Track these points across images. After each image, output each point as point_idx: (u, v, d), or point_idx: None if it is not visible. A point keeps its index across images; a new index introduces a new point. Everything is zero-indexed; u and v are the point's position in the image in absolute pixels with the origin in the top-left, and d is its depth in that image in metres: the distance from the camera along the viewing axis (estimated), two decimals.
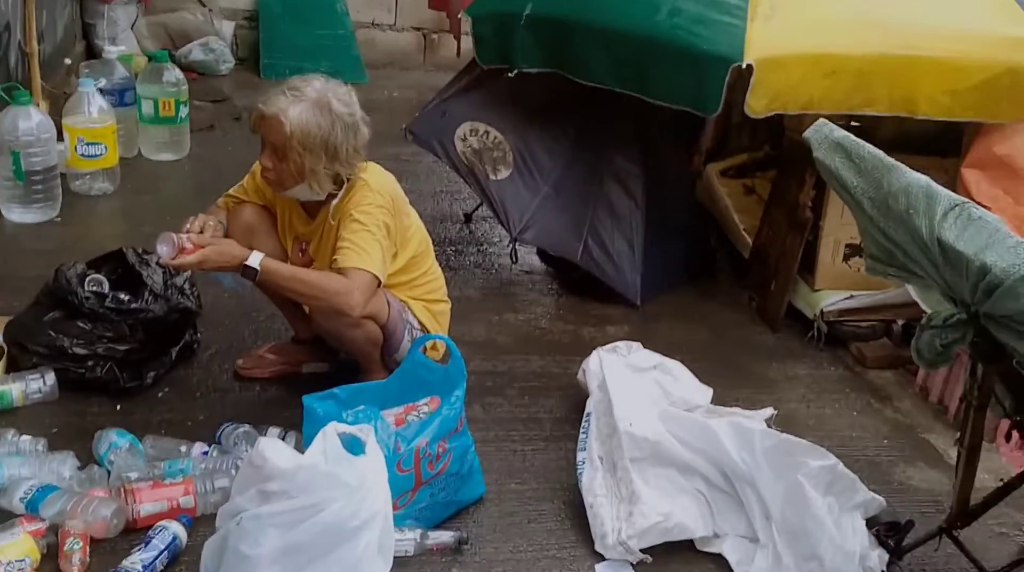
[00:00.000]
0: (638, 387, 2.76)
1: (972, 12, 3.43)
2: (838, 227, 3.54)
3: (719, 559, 2.46)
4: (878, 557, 2.37)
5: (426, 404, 2.50)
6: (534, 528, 2.52)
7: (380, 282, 2.59)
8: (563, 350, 3.41)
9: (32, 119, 3.75)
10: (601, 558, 2.41)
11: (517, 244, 3.51)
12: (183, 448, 2.57)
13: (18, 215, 3.86)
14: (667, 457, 2.58)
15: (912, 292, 2.22)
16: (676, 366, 2.94)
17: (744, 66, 3.00)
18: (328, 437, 2.13)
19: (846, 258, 3.58)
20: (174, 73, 4.66)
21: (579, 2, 3.33)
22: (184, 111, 4.72)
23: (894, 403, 3.36)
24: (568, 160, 3.62)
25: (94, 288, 2.86)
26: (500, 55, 3.45)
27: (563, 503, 2.63)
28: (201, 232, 2.53)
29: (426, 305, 2.88)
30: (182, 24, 6.19)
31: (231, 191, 2.88)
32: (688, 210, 4.06)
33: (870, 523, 2.44)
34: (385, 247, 2.60)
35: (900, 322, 3.65)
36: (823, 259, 3.59)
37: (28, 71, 4.15)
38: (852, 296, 3.58)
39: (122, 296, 2.85)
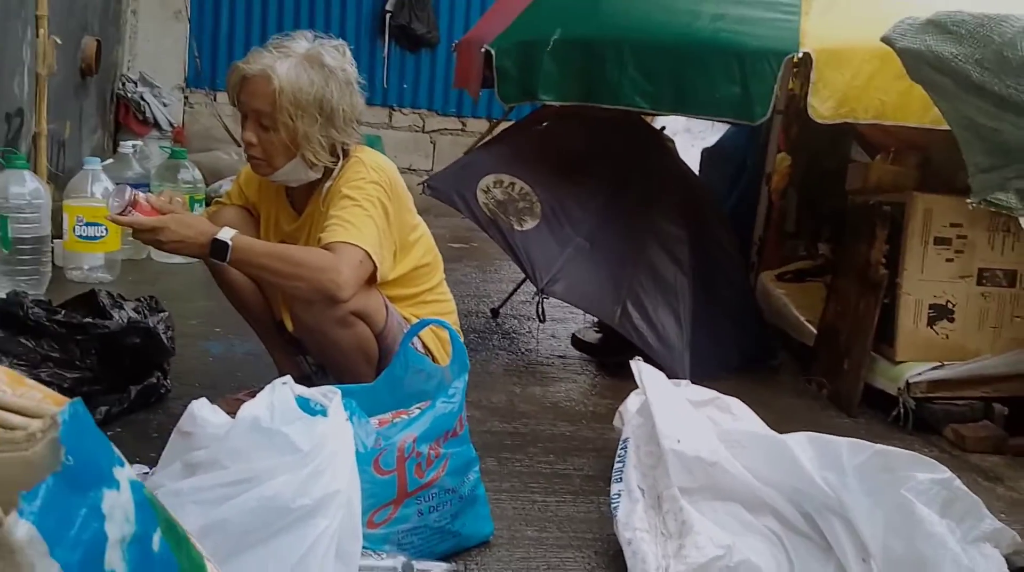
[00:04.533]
0: (689, 416, 2.21)
1: None
2: (919, 284, 3.03)
3: None
4: None
5: (419, 407, 1.99)
6: None
7: (376, 267, 2.15)
8: (598, 419, 2.87)
9: (26, 184, 3.49)
10: None
11: (545, 299, 3.04)
12: None
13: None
14: (728, 488, 2.00)
15: None
16: (736, 404, 2.38)
17: (800, 56, 2.64)
18: (277, 390, 1.64)
19: (931, 322, 3.04)
20: (192, 171, 4.44)
21: (612, 20, 3.04)
22: (200, 210, 4.44)
23: (1007, 483, 2.73)
24: (604, 214, 3.22)
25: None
26: (523, 90, 3.15)
27: (594, 552, 2.05)
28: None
29: (434, 328, 2.41)
30: (215, 163, 6.07)
31: (214, 201, 2.53)
32: (740, 293, 3.58)
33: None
34: (382, 229, 2.17)
35: (1005, 410, 3.06)
36: (904, 324, 3.05)
37: (36, 150, 3.94)
38: (942, 365, 3.02)
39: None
